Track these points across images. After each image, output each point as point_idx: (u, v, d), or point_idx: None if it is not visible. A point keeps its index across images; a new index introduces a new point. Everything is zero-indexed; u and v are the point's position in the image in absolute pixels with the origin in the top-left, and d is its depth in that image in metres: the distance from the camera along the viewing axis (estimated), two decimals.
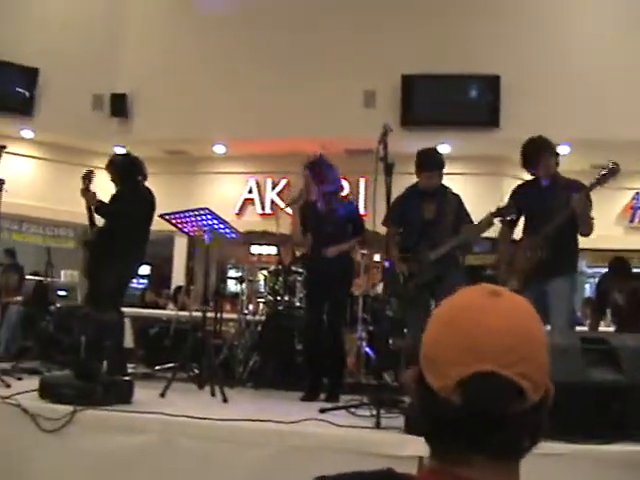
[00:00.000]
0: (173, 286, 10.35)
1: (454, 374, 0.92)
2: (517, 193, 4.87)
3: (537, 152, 4.63)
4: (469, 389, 0.91)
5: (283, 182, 10.53)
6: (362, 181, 10.19)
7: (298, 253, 6.71)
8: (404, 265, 4.93)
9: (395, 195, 4.76)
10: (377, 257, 7.87)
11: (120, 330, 5.64)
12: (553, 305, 4.42)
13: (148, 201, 5.59)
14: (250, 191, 10.82)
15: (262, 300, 6.68)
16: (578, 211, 4.40)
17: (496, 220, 4.80)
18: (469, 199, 5.20)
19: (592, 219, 4.49)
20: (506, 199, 4.88)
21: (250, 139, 9.87)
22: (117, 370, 5.19)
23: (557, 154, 4.74)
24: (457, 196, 5.06)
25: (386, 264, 4.58)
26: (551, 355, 0.96)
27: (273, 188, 10.73)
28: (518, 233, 4.95)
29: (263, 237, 7.52)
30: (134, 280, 6.95)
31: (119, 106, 9.86)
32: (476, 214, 4.93)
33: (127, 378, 4.58)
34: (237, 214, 10.68)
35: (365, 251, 6.86)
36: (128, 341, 6.54)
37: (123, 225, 5.41)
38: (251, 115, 9.44)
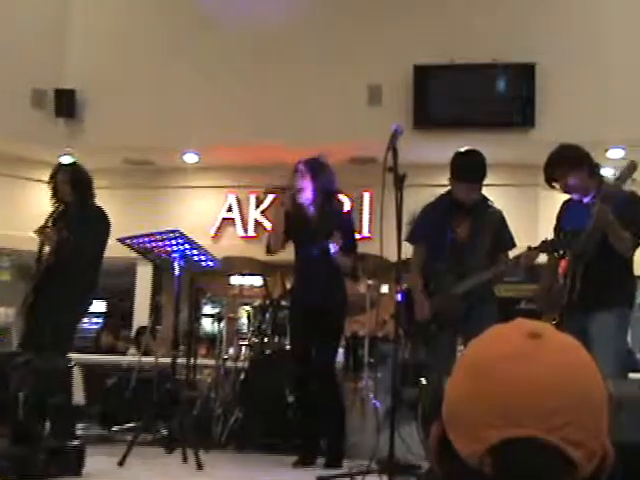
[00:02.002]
0: (135, 326, 10.29)
1: (485, 438, 0.91)
2: (562, 214, 4.86)
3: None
4: (503, 458, 0.90)
5: (269, 198, 10.43)
6: (366, 196, 10.20)
7: (289, 284, 6.70)
8: (426, 298, 4.92)
9: (410, 210, 4.77)
10: (385, 288, 7.91)
11: (69, 382, 5.47)
12: (596, 347, 4.36)
13: (107, 223, 5.62)
14: (229, 209, 10.82)
15: (245, 342, 6.72)
16: (599, 224, 4.36)
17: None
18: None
19: (635, 234, 4.44)
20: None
21: (229, 146, 9.85)
22: (64, 433, 5.08)
23: (595, 166, 4.69)
24: (499, 213, 5.08)
25: (398, 297, 4.51)
26: (611, 412, 0.95)
27: (257, 206, 10.69)
28: None
29: (246, 265, 7.48)
30: (86, 319, 6.90)
31: (65, 104, 9.82)
32: None
33: (77, 443, 4.56)
34: (214, 237, 10.68)
35: (371, 281, 6.87)
36: (78, 395, 6.39)
37: (80, 255, 5.44)
38: (230, 117, 9.51)
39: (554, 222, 4.88)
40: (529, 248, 4.72)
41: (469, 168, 4.89)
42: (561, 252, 4.71)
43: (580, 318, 4.52)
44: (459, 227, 4.96)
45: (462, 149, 4.96)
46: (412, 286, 4.97)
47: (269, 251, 5.33)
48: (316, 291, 5.06)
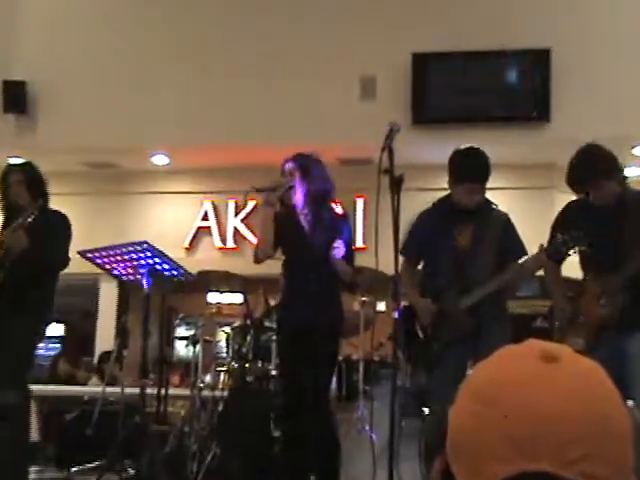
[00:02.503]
0: (97, 352, 10.23)
1: (491, 473, 0.91)
2: (573, 215, 4.91)
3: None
4: None
5: (250, 205, 10.38)
6: (360, 202, 10.21)
7: (273, 302, 6.67)
8: (427, 314, 4.93)
9: (408, 217, 4.81)
10: (382, 306, 7.99)
11: (24, 417, 5.49)
12: (635, 371, 4.42)
13: (71, 231, 5.55)
14: (205, 217, 10.79)
15: (224, 368, 6.72)
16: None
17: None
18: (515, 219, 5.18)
19: None
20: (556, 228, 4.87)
21: (204, 147, 9.85)
22: (16, 475, 5.11)
23: (619, 171, 4.77)
24: (505, 216, 5.11)
25: (395, 315, 4.42)
26: (637, 443, 0.95)
27: (237, 213, 10.65)
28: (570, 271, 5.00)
29: (224, 280, 7.54)
30: (41, 345, 6.79)
31: (15, 98, 9.74)
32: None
33: None
34: (188, 249, 10.69)
35: (365, 298, 6.92)
36: (32, 432, 6.32)
37: (40, 267, 5.36)
38: (205, 114, 9.50)
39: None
40: (540, 248, 4.73)
41: (470, 167, 4.90)
42: (570, 252, 4.71)
43: (615, 337, 4.57)
44: (460, 235, 4.96)
45: (461, 147, 4.99)
46: (408, 295, 4.97)
47: (258, 260, 5.25)
48: (308, 308, 4.99)
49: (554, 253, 4.70)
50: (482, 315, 4.84)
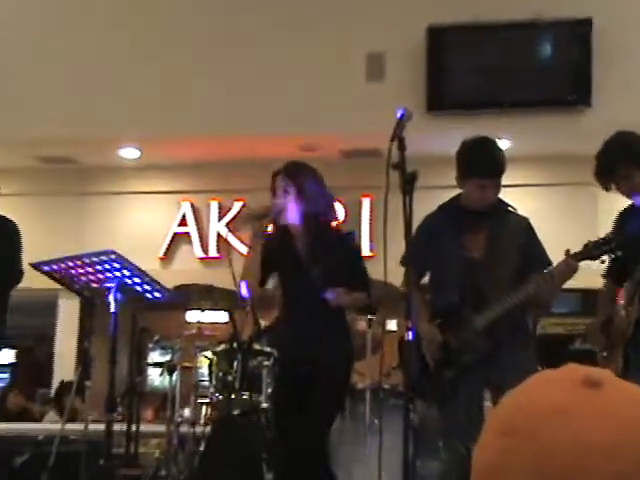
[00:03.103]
0: (55, 382, 10.18)
1: None
2: (622, 220, 5.00)
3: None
4: None
5: (237, 206, 10.41)
6: (366, 202, 10.23)
7: (264, 322, 6.49)
8: (432, 345, 4.97)
9: (420, 219, 4.84)
10: (393, 325, 7.91)
11: None
12: None
13: (20, 238, 5.59)
14: (183, 221, 10.74)
15: (206, 400, 6.66)
16: None
17: (584, 263, 4.81)
18: (540, 227, 5.22)
19: None
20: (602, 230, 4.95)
21: (181, 138, 9.83)
22: None
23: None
24: (525, 220, 5.15)
25: (409, 336, 4.34)
26: None
27: (221, 217, 10.63)
28: None
29: (206, 296, 7.46)
30: None
31: None
32: (554, 254, 4.95)
33: None
34: (163, 259, 10.68)
35: (373, 316, 6.92)
36: None
37: None
38: (183, 100, 9.48)
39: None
40: (567, 254, 4.75)
41: (481, 159, 4.94)
42: (606, 257, 4.77)
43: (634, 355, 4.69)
44: (472, 242, 5.04)
45: (468, 139, 5.04)
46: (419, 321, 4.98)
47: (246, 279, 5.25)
48: (309, 342, 5.09)
49: (587, 255, 4.73)
50: (500, 336, 4.88)
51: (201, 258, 10.68)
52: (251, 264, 5.28)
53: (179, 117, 9.51)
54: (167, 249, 10.72)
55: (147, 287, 5.21)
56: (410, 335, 4.23)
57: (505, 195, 5.18)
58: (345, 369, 5.33)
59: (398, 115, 4.19)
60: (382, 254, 4.16)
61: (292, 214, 5.20)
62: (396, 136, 4.12)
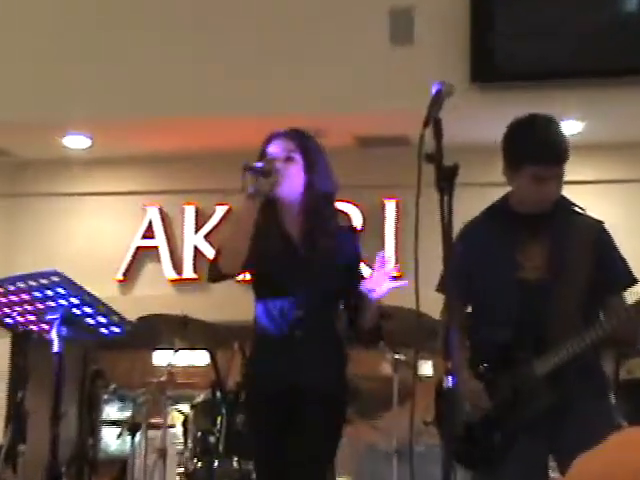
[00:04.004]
0: None
1: None
2: None
3: None
4: None
5: (220, 212, 9.83)
6: (390, 205, 9.70)
7: None
8: (476, 387, 4.81)
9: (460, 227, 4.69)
10: (428, 368, 7.84)
11: None
12: None
13: None
14: (149, 231, 10.06)
15: (180, 470, 6.80)
16: None
17: None
18: (618, 234, 4.87)
19: None
20: None
21: (145, 122, 9.23)
22: None
23: None
24: (598, 225, 4.88)
25: (449, 382, 3.88)
26: None
27: (198, 227, 9.97)
28: None
29: (180, 331, 7.25)
30: None
31: None
32: (638, 270, 4.78)
33: None
34: (122, 281, 10.06)
35: (402, 356, 6.95)
36: None
37: None
38: (149, 74, 8.79)
39: None
40: None
41: (536, 140, 4.72)
42: None
43: None
44: (528, 258, 4.81)
45: (518, 118, 4.82)
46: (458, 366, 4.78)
47: (216, 276, 4.88)
48: (291, 362, 4.83)
49: None
50: (568, 383, 4.64)
51: (173, 280, 10.06)
52: (241, 234, 4.85)
53: (143, 98, 8.95)
54: (128, 268, 10.13)
55: (101, 319, 4.90)
56: (451, 381, 3.83)
57: (572, 195, 4.93)
58: (341, 392, 5.09)
59: (433, 90, 3.83)
60: (412, 274, 3.79)
61: (292, 186, 4.89)
62: (430, 118, 3.74)
